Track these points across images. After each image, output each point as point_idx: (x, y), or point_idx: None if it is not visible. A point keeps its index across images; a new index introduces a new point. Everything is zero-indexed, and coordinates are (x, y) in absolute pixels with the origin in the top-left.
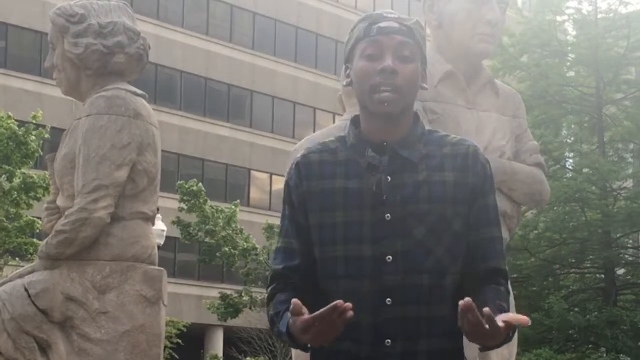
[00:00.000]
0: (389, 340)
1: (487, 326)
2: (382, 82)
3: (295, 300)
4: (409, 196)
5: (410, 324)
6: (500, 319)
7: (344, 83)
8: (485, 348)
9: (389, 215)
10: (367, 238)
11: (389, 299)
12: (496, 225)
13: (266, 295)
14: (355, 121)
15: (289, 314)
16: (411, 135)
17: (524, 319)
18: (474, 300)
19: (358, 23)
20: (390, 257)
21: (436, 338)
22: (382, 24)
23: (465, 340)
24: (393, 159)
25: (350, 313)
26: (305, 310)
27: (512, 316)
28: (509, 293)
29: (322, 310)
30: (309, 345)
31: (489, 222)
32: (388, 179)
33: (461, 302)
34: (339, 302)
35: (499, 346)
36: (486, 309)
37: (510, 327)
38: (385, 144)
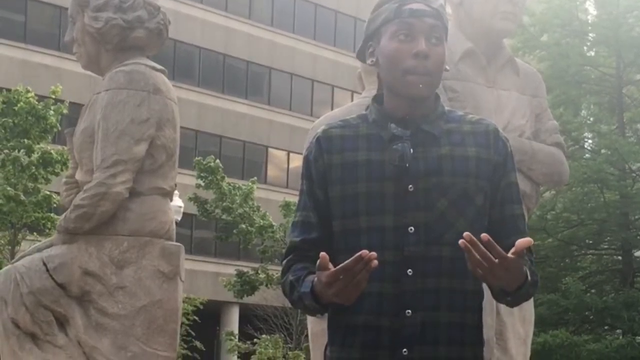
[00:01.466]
0: (409, 311)
1: (496, 259)
2: (416, 66)
3: (323, 254)
4: (432, 168)
5: (430, 296)
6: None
7: (369, 62)
8: (502, 292)
9: (411, 186)
10: (389, 209)
11: (410, 270)
12: (518, 203)
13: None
14: (377, 99)
15: (311, 276)
16: (433, 113)
17: (526, 240)
18: None
19: (385, 2)
20: (412, 228)
21: (457, 311)
22: (413, 6)
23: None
24: (415, 132)
25: (375, 262)
26: (331, 265)
27: (519, 242)
28: (534, 268)
29: (347, 261)
30: (328, 311)
31: (512, 200)
32: (411, 151)
33: (460, 240)
34: (364, 251)
35: (516, 288)
36: (483, 234)
37: (521, 255)
38: (407, 117)
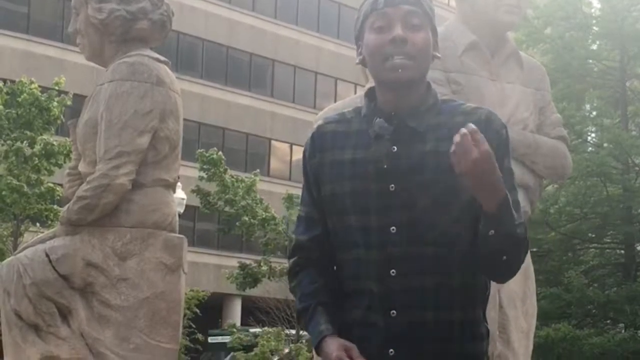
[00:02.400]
0: (394, 311)
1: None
2: (394, 51)
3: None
4: (414, 166)
5: (414, 295)
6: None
7: (357, 60)
8: (485, 219)
9: (393, 185)
10: (372, 208)
11: (393, 270)
12: (511, 190)
13: (285, 265)
14: (369, 93)
15: (322, 324)
16: (422, 105)
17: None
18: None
19: (365, 0)
20: (394, 228)
21: (444, 310)
22: None
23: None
24: (399, 129)
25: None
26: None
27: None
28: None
29: None
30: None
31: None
32: (393, 149)
33: (463, 130)
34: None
35: (496, 208)
36: (469, 125)
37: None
38: (392, 113)
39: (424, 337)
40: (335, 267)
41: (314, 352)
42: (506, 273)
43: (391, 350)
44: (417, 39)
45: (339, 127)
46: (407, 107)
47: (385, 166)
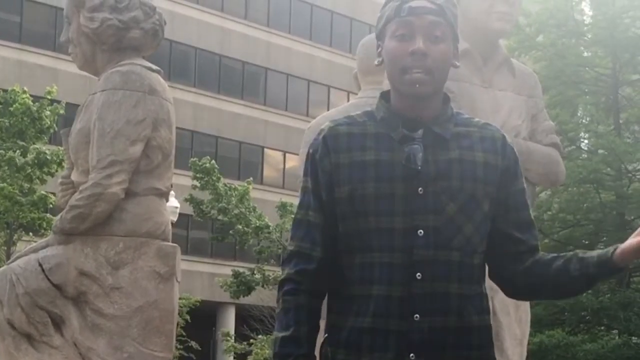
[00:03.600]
0: (417, 315)
1: None
2: (413, 64)
3: None
4: (442, 172)
5: (439, 300)
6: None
7: (376, 62)
8: None
9: (421, 189)
10: (398, 210)
11: (419, 274)
12: (528, 209)
13: (279, 273)
14: (384, 96)
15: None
16: (442, 114)
17: None
18: (542, 270)
19: (389, 1)
20: (422, 231)
21: (465, 316)
22: (413, 4)
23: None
24: (426, 134)
25: None
26: None
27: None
28: None
29: None
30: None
31: (525, 205)
32: (421, 152)
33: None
34: None
35: None
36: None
37: None
38: (418, 118)
39: (446, 343)
40: (337, 273)
41: None
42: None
43: (412, 354)
44: (437, 52)
45: (353, 129)
46: (428, 115)
47: (419, 168)
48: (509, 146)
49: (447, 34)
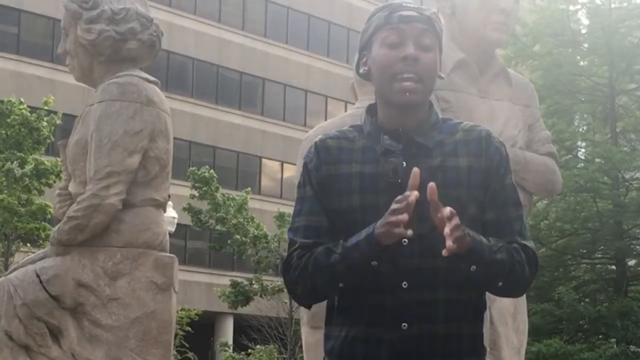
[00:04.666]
0: (405, 324)
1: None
2: (404, 70)
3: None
4: (423, 181)
5: (426, 308)
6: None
7: (361, 71)
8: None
9: None
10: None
11: (405, 282)
12: (513, 205)
13: (277, 283)
14: (370, 110)
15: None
16: (426, 122)
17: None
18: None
19: (377, 12)
20: (406, 241)
21: (454, 323)
22: (404, 13)
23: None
24: (408, 145)
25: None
26: None
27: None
28: (523, 258)
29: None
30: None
31: (505, 203)
32: (403, 164)
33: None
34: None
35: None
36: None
37: (446, 216)
38: (400, 130)
39: (434, 351)
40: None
41: None
42: (515, 290)
43: None
44: (427, 59)
45: (342, 143)
46: (412, 124)
47: (399, 180)
48: (493, 144)
49: (435, 44)
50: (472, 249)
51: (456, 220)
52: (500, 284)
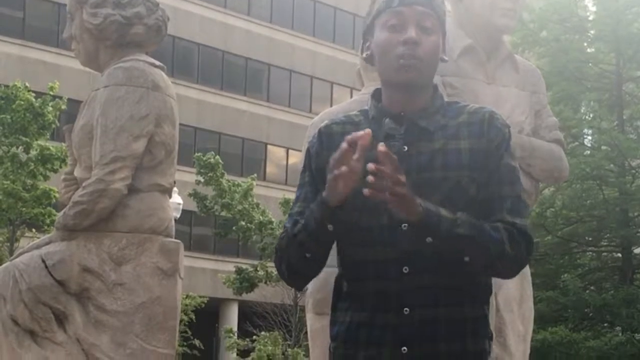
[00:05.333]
0: (407, 309)
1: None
2: (405, 53)
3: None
4: (424, 164)
5: (427, 292)
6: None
7: (364, 55)
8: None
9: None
10: (383, 206)
11: (405, 267)
12: (509, 184)
13: None
14: (375, 94)
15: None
16: (430, 106)
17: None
18: None
19: None
20: (406, 225)
21: (456, 306)
22: None
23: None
24: (410, 129)
25: (364, 140)
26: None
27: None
28: (503, 235)
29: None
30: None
31: (500, 182)
32: (404, 148)
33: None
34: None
35: (418, 221)
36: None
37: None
38: (402, 113)
39: (437, 334)
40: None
41: (311, 357)
42: (497, 269)
43: (404, 348)
44: (428, 43)
45: (346, 128)
46: (416, 108)
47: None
48: (495, 125)
49: (436, 27)
50: (424, 220)
51: (400, 177)
52: (467, 259)
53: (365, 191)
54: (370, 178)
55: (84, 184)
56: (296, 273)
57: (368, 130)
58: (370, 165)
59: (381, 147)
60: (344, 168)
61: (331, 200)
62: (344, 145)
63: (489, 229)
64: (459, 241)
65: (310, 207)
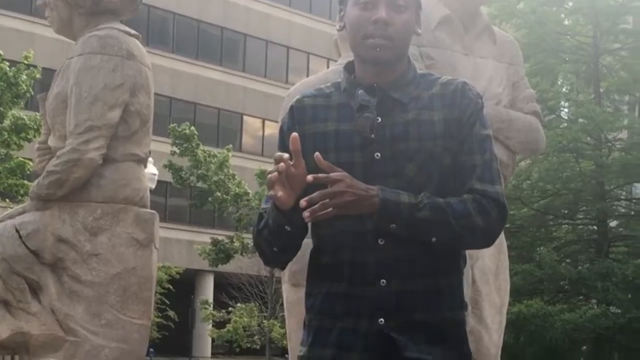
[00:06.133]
0: (384, 280)
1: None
2: (375, 33)
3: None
4: (398, 135)
5: (404, 264)
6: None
7: (337, 27)
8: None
9: (378, 154)
10: (358, 178)
11: (381, 239)
12: (479, 153)
13: None
14: (348, 67)
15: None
16: (402, 78)
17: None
18: None
19: None
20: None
21: (431, 277)
22: None
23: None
24: (383, 100)
25: (282, 166)
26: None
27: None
28: (470, 208)
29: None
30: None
31: (471, 150)
32: (378, 119)
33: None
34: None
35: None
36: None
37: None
38: (375, 85)
39: (413, 305)
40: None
41: (287, 329)
42: (468, 241)
43: (381, 319)
44: (399, 21)
45: (318, 101)
46: (389, 80)
47: (372, 135)
48: (467, 95)
49: (410, 3)
50: (383, 212)
51: (339, 187)
52: (434, 239)
53: (305, 216)
54: (302, 203)
55: (58, 154)
56: (272, 261)
57: (294, 134)
58: (309, 178)
59: (309, 177)
60: (275, 173)
61: (280, 206)
62: (280, 165)
63: (454, 204)
64: (423, 224)
65: (269, 209)
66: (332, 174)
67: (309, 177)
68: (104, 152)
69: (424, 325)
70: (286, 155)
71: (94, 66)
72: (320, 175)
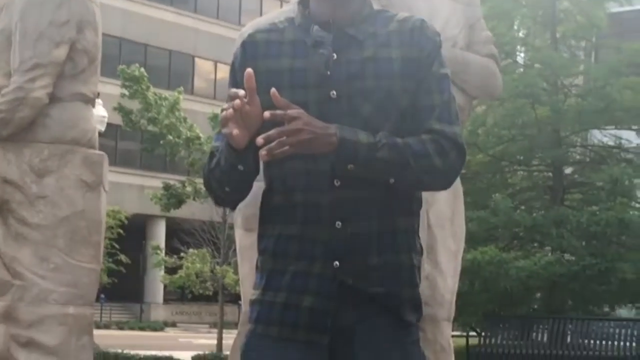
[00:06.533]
0: (339, 223)
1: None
2: None
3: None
4: (354, 73)
5: (359, 206)
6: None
7: None
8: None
9: (334, 92)
10: (313, 116)
11: (337, 180)
12: (438, 93)
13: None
14: (303, 1)
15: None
16: (358, 14)
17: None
18: None
19: None
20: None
21: (387, 219)
22: None
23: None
24: (339, 36)
25: (237, 102)
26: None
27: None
28: (429, 149)
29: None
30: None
31: (429, 90)
32: (334, 56)
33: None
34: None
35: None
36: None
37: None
38: (330, 21)
39: (369, 248)
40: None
41: (240, 274)
42: (427, 182)
43: (336, 262)
44: None
45: (271, 36)
46: (344, 16)
47: (328, 72)
48: (426, 33)
49: None
50: (340, 151)
51: (297, 125)
52: (392, 180)
53: (262, 154)
54: (259, 140)
55: (2, 92)
56: (223, 200)
57: (249, 70)
58: (266, 114)
59: (267, 114)
60: (230, 110)
61: (234, 144)
62: (236, 102)
63: (413, 144)
64: (381, 165)
65: (221, 148)
66: (289, 111)
67: (266, 114)
68: (51, 91)
69: (379, 269)
70: (242, 92)
71: (39, 2)
72: (278, 112)
